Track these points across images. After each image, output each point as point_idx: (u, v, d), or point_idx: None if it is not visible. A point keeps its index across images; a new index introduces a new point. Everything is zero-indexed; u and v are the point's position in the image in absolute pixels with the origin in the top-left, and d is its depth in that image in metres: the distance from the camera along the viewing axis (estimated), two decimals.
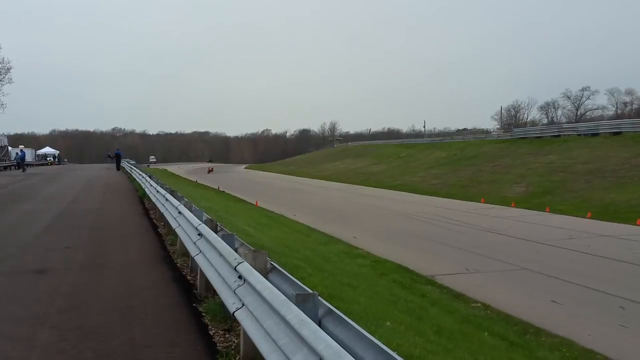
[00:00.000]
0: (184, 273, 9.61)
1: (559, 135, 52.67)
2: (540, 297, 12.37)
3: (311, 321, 4.14)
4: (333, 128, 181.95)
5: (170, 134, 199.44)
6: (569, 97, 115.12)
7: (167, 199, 13.95)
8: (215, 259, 7.12)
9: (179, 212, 11.14)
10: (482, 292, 12.71)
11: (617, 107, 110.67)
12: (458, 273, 14.83)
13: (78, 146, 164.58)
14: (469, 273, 14.91)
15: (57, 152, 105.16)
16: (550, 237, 20.60)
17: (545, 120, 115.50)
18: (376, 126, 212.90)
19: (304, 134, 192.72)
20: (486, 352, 8.02)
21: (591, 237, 20.54)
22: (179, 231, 10.62)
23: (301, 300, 4.55)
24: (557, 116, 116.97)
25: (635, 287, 13.17)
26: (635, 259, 16.32)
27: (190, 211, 10.42)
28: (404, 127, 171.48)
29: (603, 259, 16.60)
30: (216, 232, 8.37)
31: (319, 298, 4.72)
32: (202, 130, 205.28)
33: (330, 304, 5.51)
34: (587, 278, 14.01)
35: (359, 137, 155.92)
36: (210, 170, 75.34)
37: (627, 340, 9.73)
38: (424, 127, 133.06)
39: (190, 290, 8.42)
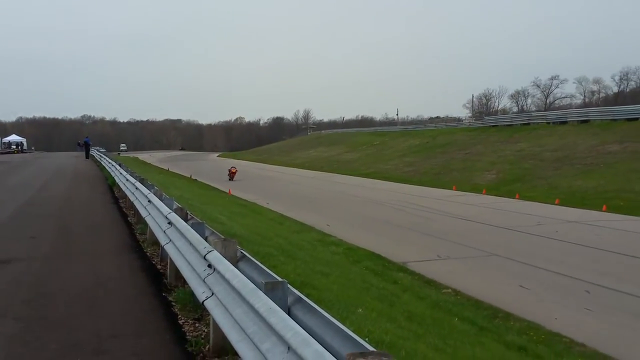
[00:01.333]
0: (153, 262, 9.51)
1: (528, 124, 53.24)
2: (509, 283, 12.53)
3: (280, 309, 4.13)
4: (307, 116, 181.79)
5: (142, 121, 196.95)
6: (538, 86, 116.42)
7: (137, 188, 13.80)
8: (185, 247, 7.06)
9: (149, 201, 11.03)
10: (452, 278, 12.83)
11: (585, 96, 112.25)
12: (430, 260, 14.94)
13: (46, 134, 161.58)
14: (441, 260, 15.03)
15: (22, 140, 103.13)
16: (520, 223, 20.85)
17: (515, 109, 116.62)
18: (350, 114, 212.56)
19: (278, 122, 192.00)
20: (456, 337, 8.10)
21: (559, 223, 20.85)
22: (148, 220, 10.50)
23: (270, 289, 4.54)
24: (527, 104, 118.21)
25: (600, 271, 13.41)
26: (600, 244, 16.61)
27: (161, 200, 10.31)
28: (378, 115, 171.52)
29: (570, 245, 16.86)
30: (186, 220, 8.29)
31: (289, 286, 4.71)
32: (175, 117, 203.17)
33: (303, 291, 5.51)
34: (554, 263, 14.22)
35: (332, 125, 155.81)
36: (232, 173, 43.85)
37: (591, 323, 9.91)
38: (397, 115, 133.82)
39: (160, 279, 8.34)
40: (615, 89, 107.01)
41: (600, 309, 10.71)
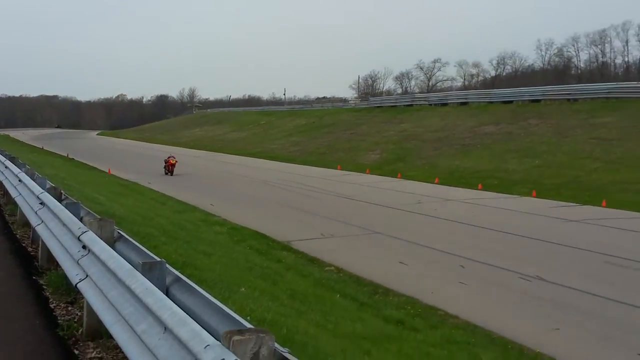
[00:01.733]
0: (24, 244, 9.03)
1: (412, 105, 55.06)
2: (390, 259, 12.93)
3: (157, 289, 4.06)
4: (192, 94, 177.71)
5: (14, 97, 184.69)
6: (422, 68, 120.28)
7: (6, 167, 13.01)
8: (58, 228, 6.76)
9: (20, 180, 10.43)
10: (336, 256, 13.06)
11: (465, 79, 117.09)
12: (314, 238, 15.13)
13: None
14: (324, 238, 15.26)
15: None
16: (401, 201, 21.58)
17: (400, 90, 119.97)
18: (237, 93, 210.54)
19: (162, 100, 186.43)
20: (337, 313, 8.27)
21: (438, 202, 21.78)
22: (19, 200, 9.95)
23: (147, 269, 4.46)
24: (410, 86, 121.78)
25: (474, 246, 14.16)
26: (475, 221, 17.54)
27: (32, 179, 9.77)
28: (265, 95, 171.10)
29: (447, 222, 17.67)
30: (60, 200, 7.90)
31: (167, 266, 4.63)
32: (51, 93, 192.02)
33: (184, 272, 5.42)
34: (432, 240, 14.84)
35: (218, 103, 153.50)
36: (171, 165, 30.88)
37: (465, 296, 10.44)
38: (285, 94, 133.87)
39: (30, 262, 7.92)
40: (493, 73, 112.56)
41: (473, 282, 11.28)
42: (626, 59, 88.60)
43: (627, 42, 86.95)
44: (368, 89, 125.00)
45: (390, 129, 46.70)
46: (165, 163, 31.19)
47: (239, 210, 19.33)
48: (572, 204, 21.39)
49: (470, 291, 10.76)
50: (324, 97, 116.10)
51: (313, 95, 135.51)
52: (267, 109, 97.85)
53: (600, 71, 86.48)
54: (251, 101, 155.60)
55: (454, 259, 12.92)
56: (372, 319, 8.47)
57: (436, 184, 27.67)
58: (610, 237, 15.79)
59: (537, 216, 19.05)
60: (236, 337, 2.80)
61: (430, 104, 53.03)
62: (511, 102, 44.59)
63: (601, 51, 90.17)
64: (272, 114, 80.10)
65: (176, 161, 31.07)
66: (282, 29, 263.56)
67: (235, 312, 3.80)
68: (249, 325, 3.21)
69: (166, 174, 30.71)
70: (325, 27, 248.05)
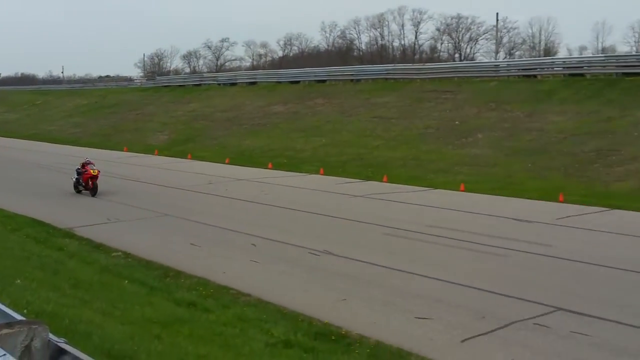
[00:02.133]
0: None
1: (200, 84, 54.34)
2: (181, 242, 12.74)
3: None
4: None
5: None
6: (210, 48, 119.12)
7: None
8: None
9: None
10: (123, 240, 12.59)
11: (253, 59, 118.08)
12: (99, 223, 14.42)
13: None
14: (111, 223, 14.61)
15: None
16: (192, 183, 21.36)
17: (188, 70, 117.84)
18: (7, 70, 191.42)
19: None
20: (126, 299, 8.00)
21: (229, 182, 21.89)
22: None
23: None
24: (199, 65, 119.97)
25: (265, 225, 14.45)
26: (265, 200, 17.92)
27: None
28: (41, 73, 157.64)
29: (239, 201, 17.86)
30: None
31: None
32: None
33: None
34: (224, 220, 14.90)
35: None
36: (91, 178, 18.46)
37: (256, 274, 10.60)
38: (63, 73, 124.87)
39: None
40: (280, 53, 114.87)
41: (265, 259, 11.48)
42: (402, 42, 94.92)
43: (402, 25, 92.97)
44: (154, 67, 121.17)
45: (179, 109, 45.81)
46: (79, 175, 19.13)
47: (13, 196, 17.82)
48: (356, 180, 22.69)
49: (261, 269, 10.96)
50: (107, 76, 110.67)
51: (95, 73, 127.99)
52: (44, 87, 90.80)
53: (380, 53, 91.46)
54: (25, 79, 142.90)
55: (245, 238, 13.07)
56: (163, 303, 8.29)
57: (227, 164, 27.73)
58: (389, 210, 16.97)
59: (324, 193, 19.96)
60: (4, 331, 2.57)
61: (219, 84, 52.79)
62: (298, 82, 45.82)
63: (380, 34, 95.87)
64: (49, 93, 74.55)
65: (98, 171, 18.92)
66: (59, 3, 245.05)
67: (8, 305, 3.51)
68: (20, 318, 2.96)
69: (79, 191, 19.16)
70: (105, 4, 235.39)
